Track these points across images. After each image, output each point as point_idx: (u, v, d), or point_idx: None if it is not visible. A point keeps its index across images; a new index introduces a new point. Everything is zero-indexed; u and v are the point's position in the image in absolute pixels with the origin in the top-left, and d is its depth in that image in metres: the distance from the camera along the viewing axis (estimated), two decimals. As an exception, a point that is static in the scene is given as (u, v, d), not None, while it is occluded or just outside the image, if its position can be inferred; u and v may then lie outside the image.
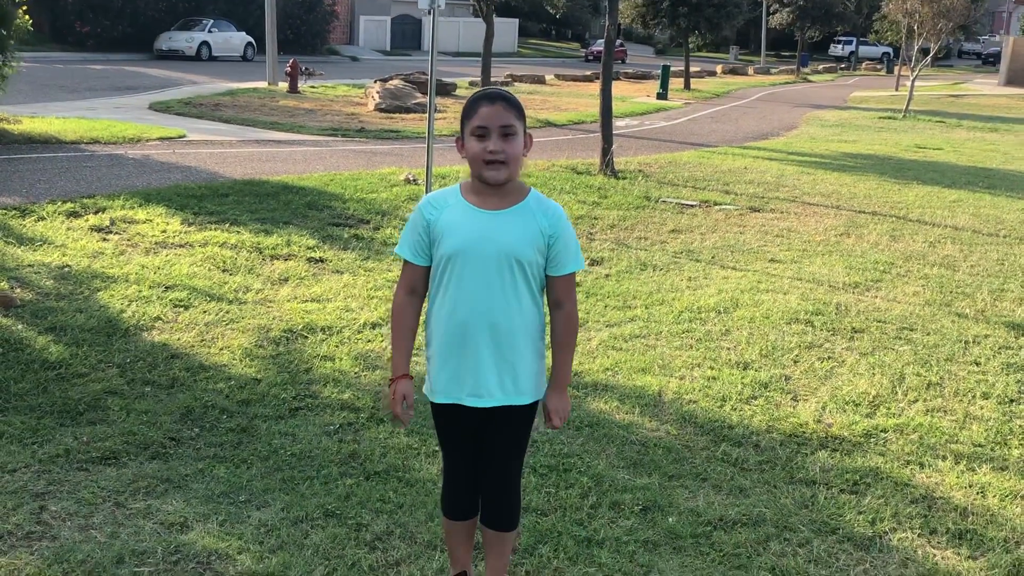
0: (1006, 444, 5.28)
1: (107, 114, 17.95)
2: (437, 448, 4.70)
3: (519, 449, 3.37)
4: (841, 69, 66.42)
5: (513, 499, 3.42)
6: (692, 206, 12.20)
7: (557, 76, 39.90)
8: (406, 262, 3.24)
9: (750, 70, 54.32)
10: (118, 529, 3.92)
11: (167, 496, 4.20)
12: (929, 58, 32.70)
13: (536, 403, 3.29)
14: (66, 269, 7.43)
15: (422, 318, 3.32)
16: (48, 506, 4.06)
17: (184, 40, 38.00)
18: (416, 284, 3.25)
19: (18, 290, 6.84)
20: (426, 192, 11.24)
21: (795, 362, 6.41)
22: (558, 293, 3.23)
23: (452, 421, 3.32)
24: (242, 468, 4.49)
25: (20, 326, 6.13)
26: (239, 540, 3.87)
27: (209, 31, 39.03)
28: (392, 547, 3.89)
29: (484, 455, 3.33)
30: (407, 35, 58.19)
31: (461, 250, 3.11)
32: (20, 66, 14.46)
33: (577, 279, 8.01)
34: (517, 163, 3.11)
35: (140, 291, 6.99)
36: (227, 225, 9.16)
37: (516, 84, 34.53)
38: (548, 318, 3.29)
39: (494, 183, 3.09)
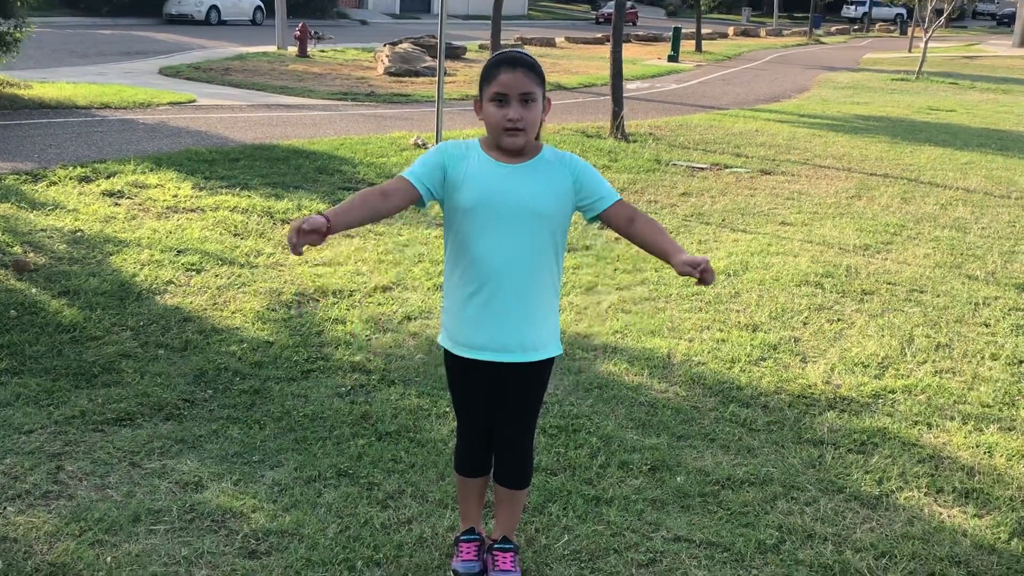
0: (1014, 405, 5.30)
1: (117, 79, 17.96)
2: (448, 409, 4.75)
3: (536, 405, 3.38)
4: (854, 31, 65.92)
5: (528, 456, 3.45)
6: (703, 169, 12.18)
7: (567, 39, 39.66)
8: (402, 178, 3.12)
9: (762, 32, 53.93)
10: (134, 488, 3.98)
11: (182, 456, 4.26)
12: (943, 19, 32.45)
13: (553, 359, 3.30)
14: (79, 233, 7.48)
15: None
16: (65, 466, 4.12)
17: (193, 4, 37.84)
18: (391, 193, 3.10)
19: (32, 255, 6.89)
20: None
21: (804, 324, 6.43)
22: (621, 216, 3.15)
23: (470, 376, 3.30)
24: (255, 429, 4.54)
25: (34, 290, 6.19)
26: (253, 499, 3.93)
27: (218, -5, 38.87)
28: (404, 505, 3.94)
29: (501, 411, 3.34)
30: (416, -2, 57.90)
31: (481, 202, 3.08)
32: (31, 31, 14.46)
33: (587, 242, 8.08)
34: (535, 129, 3.10)
35: (152, 255, 7.03)
36: (238, 189, 9.19)
37: (526, 47, 34.33)
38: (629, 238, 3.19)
39: (512, 149, 3.10)
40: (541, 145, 3.19)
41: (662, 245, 3.11)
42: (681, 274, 2.97)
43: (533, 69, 3.06)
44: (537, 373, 3.28)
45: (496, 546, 3.50)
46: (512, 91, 3.02)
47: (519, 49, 3.18)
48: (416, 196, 3.12)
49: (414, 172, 3.13)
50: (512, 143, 3.07)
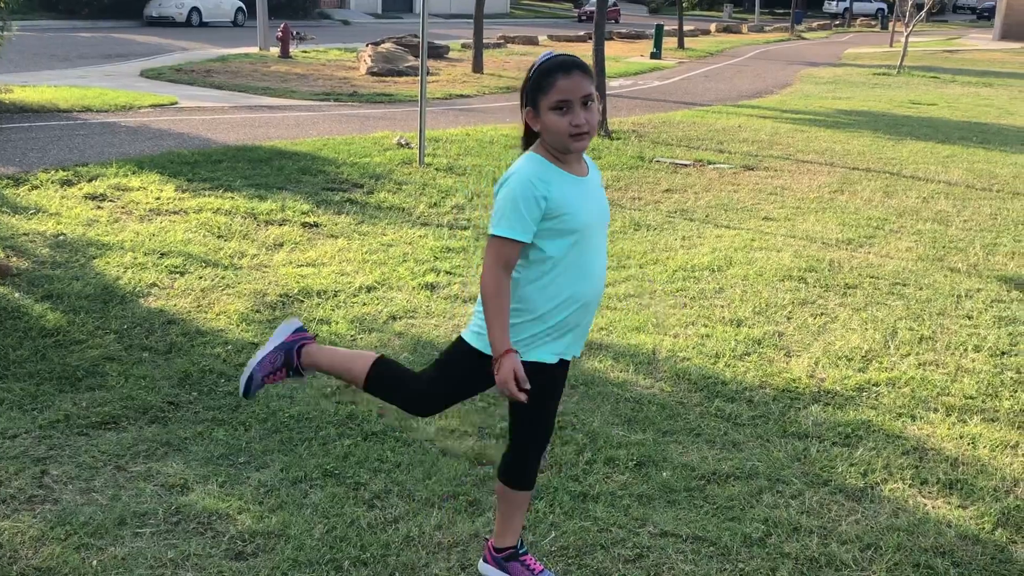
0: (997, 396, 5.33)
1: (98, 82, 17.88)
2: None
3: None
4: (835, 26, 66.12)
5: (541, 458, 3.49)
6: (686, 165, 12.20)
7: (550, 37, 39.68)
8: (509, 241, 3.00)
9: (744, 28, 54.04)
10: (119, 492, 3.97)
11: (167, 459, 4.25)
12: (923, 13, 32.59)
13: None
14: (61, 237, 7.45)
15: None
16: (49, 470, 4.11)
17: (174, 6, 37.68)
18: (513, 260, 3.05)
19: (14, 259, 6.86)
20: (419, 156, 11.24)
21: (788, 318, 6.46)
22: None
23: (535, 382, 3.15)
24: (241, 430, 4.53)
25: (17, 294, 6.16)
26: (239, 500, 3.92)
27: (199, -4, 38.72)
28: (390, 505, 3.94)
29: (547, 413, 3.33)
30: (398, -2, 57.79)
31: (587, 223, 3.08)
32: (11, 35, 14.39)
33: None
34: (596, 130, 3.11)
35: (135, 258, 7.01)
36: (221, 191, 9.16)
37: (509, 45, 34.36)
38: None
39: (577, 153, 3.10)
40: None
41: None
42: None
43: (586, 70, 3.05)
44: (566, 369, 3.38)
45: (521, 551, 3.49)
46: (574, 95, 2.99)
47: (567, 53, 3.15)
48: (527, 243, 3.06)
49: (523, 227, 3.01)
50: (581, 147, 3.05)
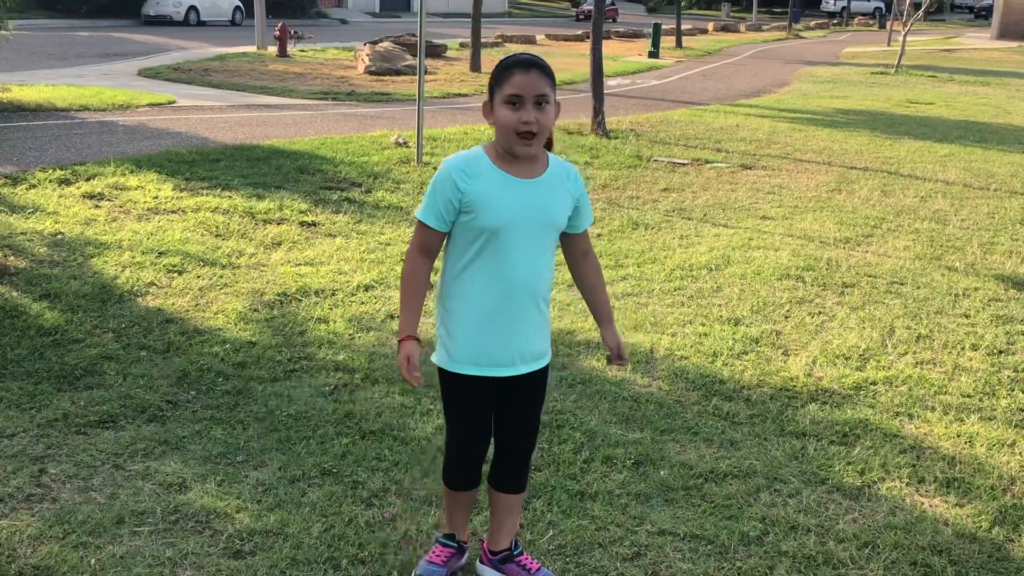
0: (994, 394, 5.34)
1: (96, 81, 17.87)
2: (432, 406, 4.76)
3: (540, 413, 3.40)
4: (833, 25, 66.13)
5: (530, 462, 3.45)
6: (684, 164, 12.21)
7: (548, 36, 39.69)
8: (425, 226, 3.10)
9: (742, 27, 54.06)
10: (117, 490, 3.97)
11: (165, 458, 4.25)
12: (921, 12, 32.62)
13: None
14: (59, 236, 7.45)
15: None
16: (48, 469, 4.11)
17: (171, 5, 37.67)
18: (432, 247, 3.13)
19: (12, 258, 6.86)
20: (417, 155, 11.25)
21: (786, 317, 6.46)
22: (584, 244, 3.32)
23: (476, 392, 3.20)
24: (239, 429, 4.54)
25: (15, 293, 6.16)
26: (237, 499, 3.92)
27: (196, -5, 38.70)
28: (388, 504, 3.94)
29: (511, 422, 3.30)
30: (396, -3, 57.78)
31: (508, 222, 3.03)
32: (7, 34, 14.38)
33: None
34: (547, 134, 3.05)
35: (133, 257, 7.01)
36: (219, 190, 9.16)
37: (507, 45, 34.37)
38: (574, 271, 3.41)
39: (524, 156, 3.04)
40: (546, 153, 3.15)
41: (599, 303, 3.43)
42: (605, 343, 3.41)
43: (546, 71, 3.02)
44: (544, 377, 3.32)
45: (516, 552, 3.48)
46: (527, 93, 2.97)
47: (535, 55, 3.15)
48: (444, 236, 3.14)
49: (431, 214, 3.08)
50: (525, 151, 3.01)
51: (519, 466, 3.39)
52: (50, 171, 9.46)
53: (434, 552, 3.51)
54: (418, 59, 11.63)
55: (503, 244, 3.05)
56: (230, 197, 8.89)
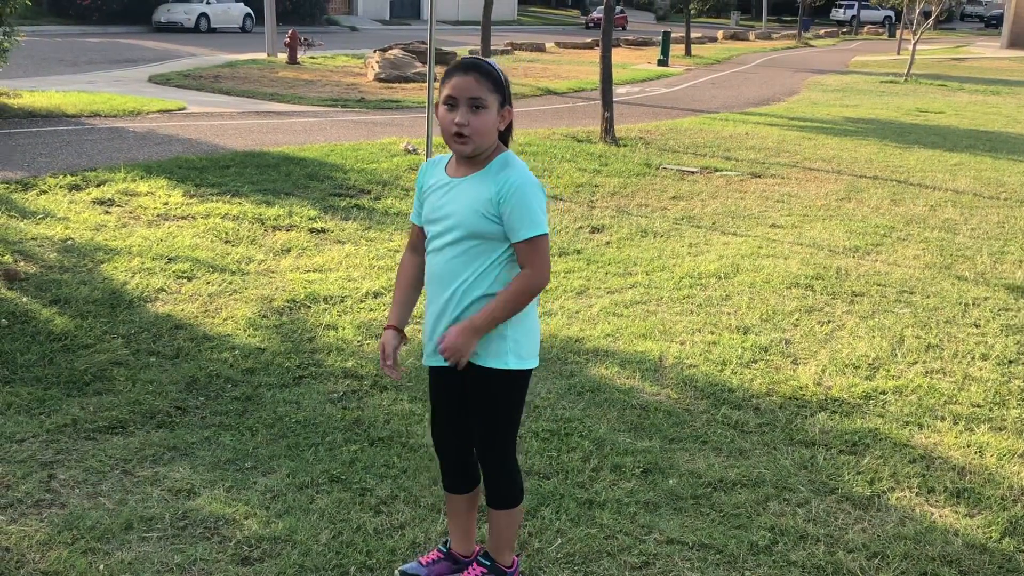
0: (1004, 404, 5.32)
1: (107, 87, 17.93)
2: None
3: (496, 421, 3.24)
4: (843, 34, 66.14)
5: (500, 476, 3.31)
6: (693, 172, 12.20)
7: (557, 44, 39.71)
8: (412, 225, 3.34)
9: (751, 35, 54.07)
10: (126, 496, 3.97)
11: (174, 463, 4.26)
12: (931, 21, 32.58)
13: (512, 373, 3.16)
14: (69, 242, 7.47)
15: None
16: (57, 474, 4.12)
17: (182, 12, 37.86)
18: (417, 243, 3.31)
19: (22, 263, 6.88)
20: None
21: (795, 326, 6.45)
22: (520, 258, 3.06)
23: (431, 383, 3.38)
24: (247, 435, 4.54)
25: (25, 299, 6.18)
26: (246, 505, 3.92)
27: (207, 2, 38.87)
28: (396, 511, 3.94)
29: (480, 418, 3.30)
30: (406, 4, 57.92)
31: (428, 219, 3.18)
32: (19, 40, 14.45)
33: (578, 246, 8.10)
34: (484, 137, 3.02)
35: (143, 263, 7.02)
36: (228, 197, 9.18)
37: (516, 52, 34.40)
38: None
39: (459, 155, 3.11)
40: (499, 155, 3.09)
41: (485, 306, 3.07)
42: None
43: (487, 75, 3.00)
44: (489, 383, 3.16)
45: (476, 559, 3.48)
46: (461, 95, 2.99)
47: (481, 56, 3.18)
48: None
49: (415, 210, 3.31)
50: (459, 150, 3.07)
51: (487, 473, 3.33)
52: (60, 177, 9.50)
53: (425, 555, 3.56)
54: (428, 66, 11.65)
55: (430, 239, 3.19)
56: (240, 203, 8.91)
